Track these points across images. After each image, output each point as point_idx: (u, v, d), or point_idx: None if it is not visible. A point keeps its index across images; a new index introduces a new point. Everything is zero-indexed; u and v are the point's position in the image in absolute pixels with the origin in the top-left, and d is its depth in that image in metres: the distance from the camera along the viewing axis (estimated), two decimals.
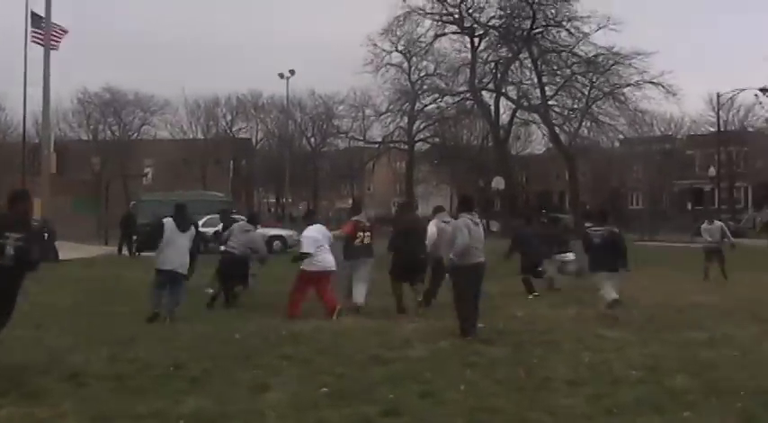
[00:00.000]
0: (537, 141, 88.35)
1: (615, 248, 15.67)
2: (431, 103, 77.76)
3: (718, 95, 69.01)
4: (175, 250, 14.60)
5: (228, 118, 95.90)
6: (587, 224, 17.33)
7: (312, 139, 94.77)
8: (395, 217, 21.91)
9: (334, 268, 15.59)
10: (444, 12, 72.71)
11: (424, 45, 73.98)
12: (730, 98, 70.79)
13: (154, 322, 14.26)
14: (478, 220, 13.43)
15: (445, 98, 76.57)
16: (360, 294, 16.21)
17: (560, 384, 9.28)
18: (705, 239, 25.50)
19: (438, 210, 18.03)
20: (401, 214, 21.47)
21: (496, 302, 16.43)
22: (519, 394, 8.85)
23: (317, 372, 9.89)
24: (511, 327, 13.76)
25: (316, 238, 15.61)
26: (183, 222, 14.91)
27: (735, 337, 12.81)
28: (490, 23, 72.48)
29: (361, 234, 16.42)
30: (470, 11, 72.18)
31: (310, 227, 16.08)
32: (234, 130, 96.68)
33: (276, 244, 37.56)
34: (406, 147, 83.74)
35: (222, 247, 17.74)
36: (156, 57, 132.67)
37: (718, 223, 25.74)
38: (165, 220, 14.99)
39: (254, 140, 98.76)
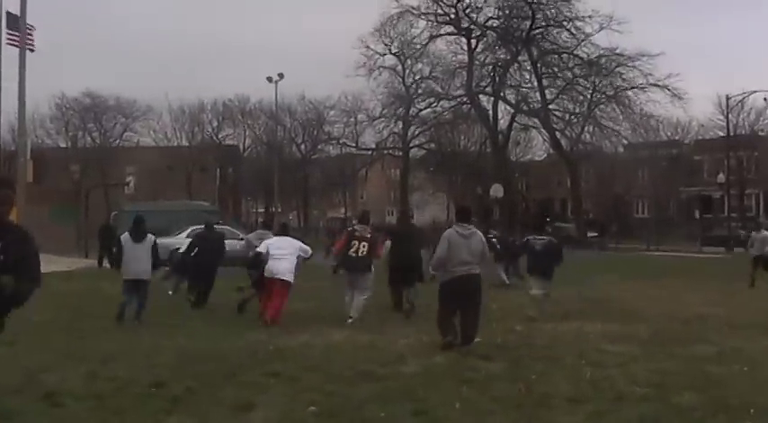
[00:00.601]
0: (537, 147, 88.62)
1: (552, 256, 17.92)
2: (426, 108, 78.03)
3: (728, 98, 69.07)
4: (134, 260, 16.84)
5: (214, 124, 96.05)
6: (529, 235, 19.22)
7: (302, 146, 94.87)
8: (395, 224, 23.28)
9: (279, 276, 16.67)
10: (440, 12, 72.92)
11: (418, 47, 74.28)
12: (740, 101, 70.82)
13: (120, 321, 16.53)
14: (472, 232, 13.41)
15: (441, 102, 76.77)
16: (352, 306, 16.84)
17: (561, 401, 9.25)
18: (759, 247, 26.76)
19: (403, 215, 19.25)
20: (399, 221, 22.49)
21: (494, 316, 16.41)
22: (517, 412, 8.82)
23: (306, 389, 9.85)
24: (509, 341, 13.75)
25: (267, 246, 17.21)
26: (138, 234, 16.97)
27: (744, 350, 12.79)
28: (488, 24, 72.69)
29: (356, 243, 16.96)
30: (467, 11, 72.39)
31: (274, 237, 17.98)
32: (220, 136, 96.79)
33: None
34: (401, 153, 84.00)
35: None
36: (139, 60, 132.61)
37: (766, 232, 27.01)
38: (122, 235, 17.35)
39: (241, 147, 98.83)
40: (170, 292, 21.65)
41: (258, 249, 17.65)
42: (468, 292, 13.04)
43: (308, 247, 17.53)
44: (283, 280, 16.74)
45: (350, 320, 16.42)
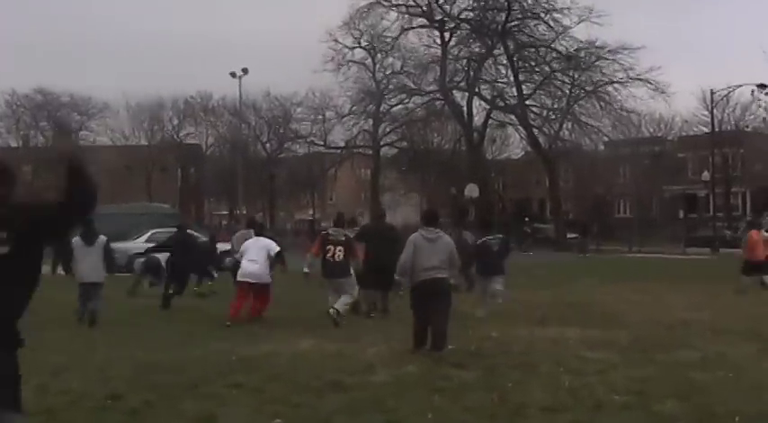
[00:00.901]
0: (514, 145, 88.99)
1: (506, 252, 19.69)
2: (398, 104, 77.95)
3: (712, 93, 69.21)
4: (86, 264, 17.66)
5: (175, 122, 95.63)
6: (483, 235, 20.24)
7: (268, 145, 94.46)
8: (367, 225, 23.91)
9: (247, 279, 17.74)
10: (411, 3, 72.87)
11: (389, 40, 74.23)
12: (725, 95, 71.04)
13: (81, 322, 17.50)
14: (438, 236, 13.70)
15: (413, 98, 76.73)
16: (334, 301, 17.24)
17: (537, 411, 9.26)
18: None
19: (351, 222, 20.12)
20: (375, 222, 23.31)
21: (469, 322, 16.44)
22: (491, 422, 8.83)
23: (270, 401, 9.82)
24: (484, 348, 13.76)
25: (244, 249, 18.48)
26: (88, 237, 17.65)
27: (729, 356, 12.84)
28: (462, 16, 72.76)
29: (332, 248, 17.38)
30: (440, 2, 72.36)
31: (250, 240, 19.09)
32: (181, 135, 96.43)
33: (228, 260, 37.45)
34: (371, 152, 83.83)
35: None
36: (94, 56, 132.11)
37: (766, 234, 27.43)
38: (73, 239, 17.70)
39: (203, 146, 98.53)
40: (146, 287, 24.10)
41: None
42: (435, 297, 13.16)
43: (274, 245, 18.28)
44: (258, 284, 17.72)
45: (331, 310, 16.84)
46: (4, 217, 5.00)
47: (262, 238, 18.78)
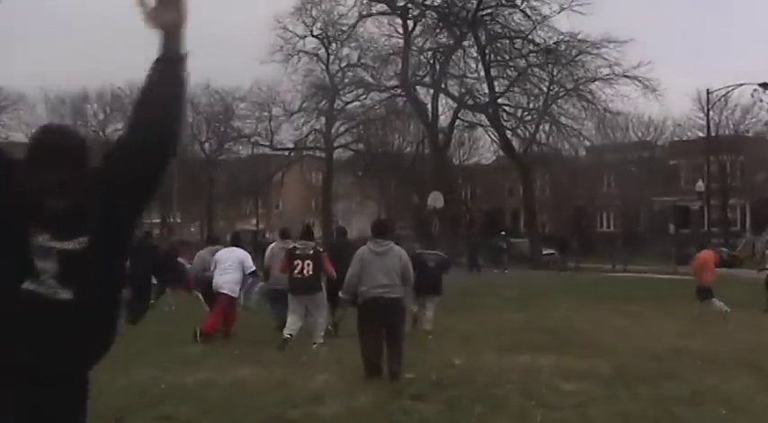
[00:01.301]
0: (484, 148, 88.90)
1: (443, 270, 20.54)
2: (354, 101, 77.88)
3: (709, 93, 69.44)
4: None
5: (101, 117, 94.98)
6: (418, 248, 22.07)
7: (206, 145, 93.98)
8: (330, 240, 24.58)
9: (219, 290, 18.86)
10: None
11: (345, 28, 74.04)
12: (723, 96, 71.29)
13: None
14: (388, 248, 13.87)
15: (371, 94, 76.60)
16: (293, 322, 17.67)
17: None
18: None
19: (283, 234, 20.57)
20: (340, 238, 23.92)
21: (429, 347, 16.46)
22: None
23: None
24: (446, 377, 13.76)
25: (210, 261, 19.88)
26: None
27: (722, 390, 12.90)
28: (427, 2, 72.63)
29: (299, 262, 17.59)
30: None
31: (223, 250, 20.20)
32: (108, 131, 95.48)
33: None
34: (323, 154, 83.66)
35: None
36: (5, 39, 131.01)
37: None
38: None
39: None
40: None
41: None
42: (384, 319, 13.22)
43: (250, 262, 19.53)
44: (225, 294, 18.66)
45: (314, 346, 17.24)
46: (78, 208, 4.12)
47: (236, 249, 19.83)
